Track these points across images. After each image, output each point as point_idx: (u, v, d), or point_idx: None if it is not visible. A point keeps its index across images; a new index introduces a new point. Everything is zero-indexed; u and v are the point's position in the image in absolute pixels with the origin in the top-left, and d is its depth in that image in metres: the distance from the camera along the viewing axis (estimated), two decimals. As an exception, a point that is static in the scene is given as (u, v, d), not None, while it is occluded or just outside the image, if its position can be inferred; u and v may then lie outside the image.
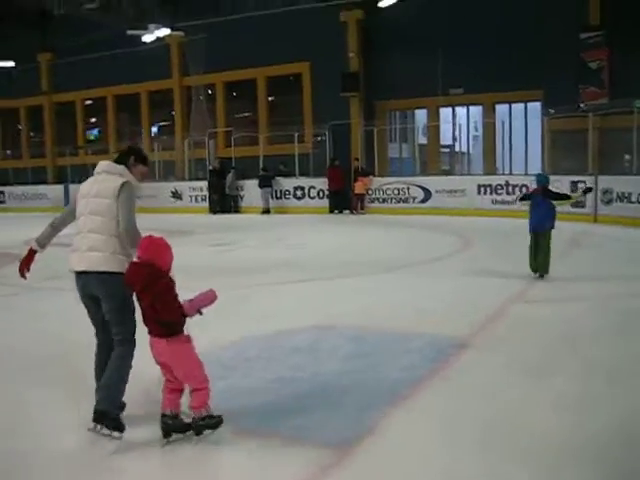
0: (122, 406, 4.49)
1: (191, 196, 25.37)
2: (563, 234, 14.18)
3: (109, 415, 4.31)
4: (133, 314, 4.50)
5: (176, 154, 27.60)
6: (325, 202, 22.69)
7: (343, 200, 22.24)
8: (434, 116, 23.39)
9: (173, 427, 4.30)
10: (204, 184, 24.99)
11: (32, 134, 33.96)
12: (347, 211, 22.13)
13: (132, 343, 4.52)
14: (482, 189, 20.10)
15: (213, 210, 24.43)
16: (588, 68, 20.27)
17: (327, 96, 23.76)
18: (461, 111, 23.57)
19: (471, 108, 23.49)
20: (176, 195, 25.52)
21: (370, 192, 22.14)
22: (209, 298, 4.26)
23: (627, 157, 18.94)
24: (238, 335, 6.88)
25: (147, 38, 24.69)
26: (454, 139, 23.49)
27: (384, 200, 22.01)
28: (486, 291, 8.87)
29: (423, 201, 21.25)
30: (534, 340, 6.52)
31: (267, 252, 13.67)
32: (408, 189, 21.49)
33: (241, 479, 3.96)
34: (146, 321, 4.27)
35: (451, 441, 4.27)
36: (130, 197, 4.51)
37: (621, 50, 19.25)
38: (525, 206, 10.05)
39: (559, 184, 17.67)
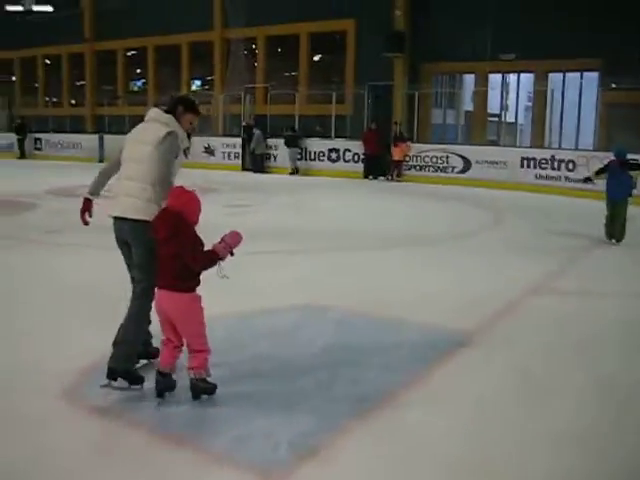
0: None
1: (224, 152, 24.57)
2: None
3: (128, 371, 4.35)
4: None
5: (213, 109, 26.80)
6: (361, 167, 21.62)
7: (379, 166, 21.15)
8: (482, 82, 22.04)
9: (169, 386, 4.25)
10: (238, 141, 24.17)
11: (74, 82, 33.51)
12: (382, 177, 21.05)
13: (153, 294, 4.32)
14: (525, 162, 18.78)
15: (245, 168, 23.63)
16: (652, 36, 18.76)
17: (371, 56, 22.66)
18: (513, 79, 22.20)
19: (523, 76, 22.10)
20: (208, 150, 24.73)
21: (408, 159, 21.01)
22: (235, 238, 4.19)
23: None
24: (214, 310, 6.05)
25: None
26: (502, 108, 22.15)
27: (422, 168, 20.82)
28: (507, 277, 7.85)
29: (462, 171, 20.02)
30: (545, 345, 5.53)
31: (282, 217, 12.83)
32: (447, 158, 20.28)
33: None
34: (161, 272, 4.17)
35: None
36: (171, 148, 4.43)
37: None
38: (599, 180, 10.88)
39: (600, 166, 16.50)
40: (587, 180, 11.47)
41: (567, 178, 17.89)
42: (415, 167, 20.94)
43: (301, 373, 4.70)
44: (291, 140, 22.66)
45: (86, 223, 4.78)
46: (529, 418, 4.11)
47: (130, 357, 4.42)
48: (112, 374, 4.31)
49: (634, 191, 10.59)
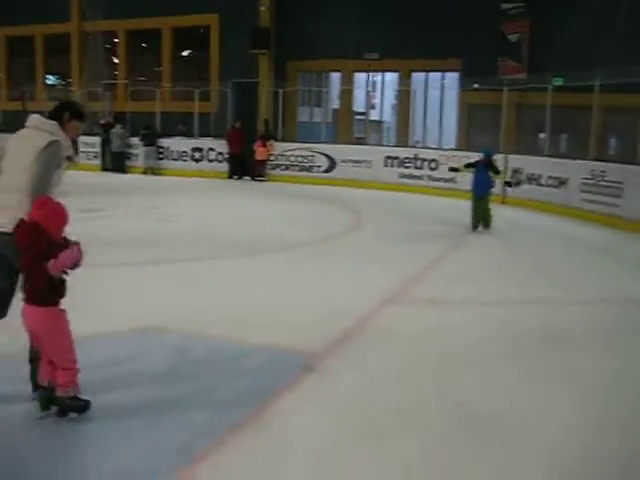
0: None
1: (83, 152, 23.29)
2: (465, 216, 13.23)
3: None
4: None
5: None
6: (225, 166, 20.99)
7: (243, 165, 20.64)
8: (348, 81, 22.01)
9: (49, 399, 4.05)
10: (97, 140, 22.98)
11: None
12: (247, 177, 20.54)
13: None
14: (389, 161, 18.88)
15: (104, 168, 22.53)
16: (507, 41, 19.32)
17: (236, 52, 22.09)
18: (383, 78, 22.33)
19: (388, 75, 22.27)
20: (65, 150, 23.35)
21: (272, 158, 20.63)
22: (71, 255, 3.88)
23: (541, 136, 18.08)
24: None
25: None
26: (368, 106, 22.19)
27: (287, 167, 20.51)
28: (365, 287, 7.56)
29: (327, 170, 19.85)
30: (399, 367, 5.22)
31: (139, 222, 12.09)
32: (312, 157, 20.09)
33: None
34: (24, 285, 3.98)
35: None
36: (52, 156, 4.17)
37: (542, 24, 18.35)
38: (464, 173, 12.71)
39: (469, 160, 16.77)
40: (454, 170, 13.55)
41: (430, 177, 18.09)
42: (280, 166, 20.60)
43: (122, 416, 4.16)
44: (147, 138, 21.79)
45: None
46: (373, 466, 3.75)
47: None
48: (36, 387, 4.20)
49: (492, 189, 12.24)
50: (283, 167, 20.53)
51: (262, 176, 20.29)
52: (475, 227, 11.80)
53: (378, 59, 21.23)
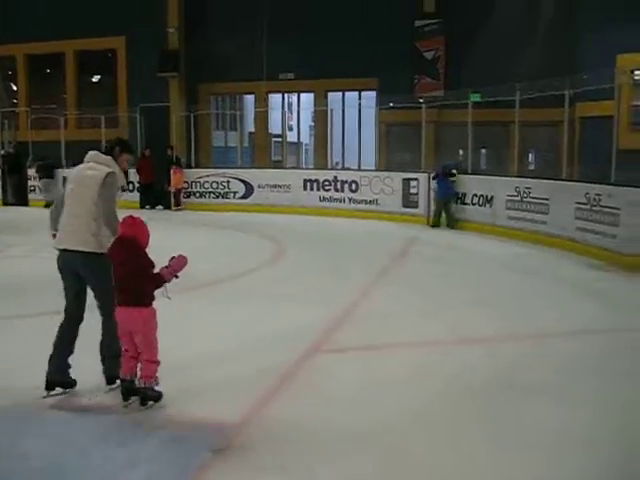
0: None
1: (-23, 187, 21.76)
2: (392, 240, 12.61)
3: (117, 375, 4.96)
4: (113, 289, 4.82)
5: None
6: (137, 196, 19.71)
7: (155, 194, 19.51)
8: (262, 102, 21.27)
9: (133, 391, 4.74)
10: (-4, 172, 21.50)
11: None
12: (160, 206, 19.40)
13: (114, 312, 4.82)
14: (308, 184, 18.12)
15: (6, 202, 21.05)
16: (423, 58, 19.08)
17: (144, 76, 21.11)
18: (300, 98, 21.77)
19: (304, 96, 21.66)
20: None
21: (186, 185, 19.60)
22: (181, 262, 4.78)
23: (461, 152, 17.77)
24: None
25: None
26: (284, 128, 21.51)
27: (202, 195, 19.49)
28: (286, 335, 6.63)
29: (244, 196, 18.92)
30: (323, 443, 4.32)
31: (32, 264, 10.88)
32: (228, 183, 19.12)
33: None
34: (121, 291, 4.69)
35: None
36: (114, 188, 5.02)
37: (457, 40, 18.25)
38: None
39: (389, 180, 16.33)
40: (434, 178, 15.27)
41: (351, 199, 17.45)
42: (195, 194, 19.58)
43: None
44: (43, 169, 20.53)
45: None
46: None
47: (119, 365, 4.91)
48: (109, 380, 5.08)
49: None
50: (198, 194, 19.53)
51: (177, 205, 19.22)
52: (434, 226, 15.00)
53: (293, 79, 20.65)
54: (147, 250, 4.75)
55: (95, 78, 24.18)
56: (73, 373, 5.10)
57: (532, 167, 18.86)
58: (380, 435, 4.36)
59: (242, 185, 18.92)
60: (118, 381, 4.94)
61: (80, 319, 5.09)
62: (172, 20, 21.17)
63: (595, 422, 4.58)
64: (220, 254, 11.68)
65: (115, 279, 4.73)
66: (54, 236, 5.18)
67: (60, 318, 5.13)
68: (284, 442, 4.26)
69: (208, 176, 19.43)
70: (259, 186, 18.72)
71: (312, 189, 18.01)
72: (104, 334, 5.09)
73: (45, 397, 4.91)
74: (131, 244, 4.68)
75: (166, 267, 4.75)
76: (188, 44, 21.29)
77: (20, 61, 24.01)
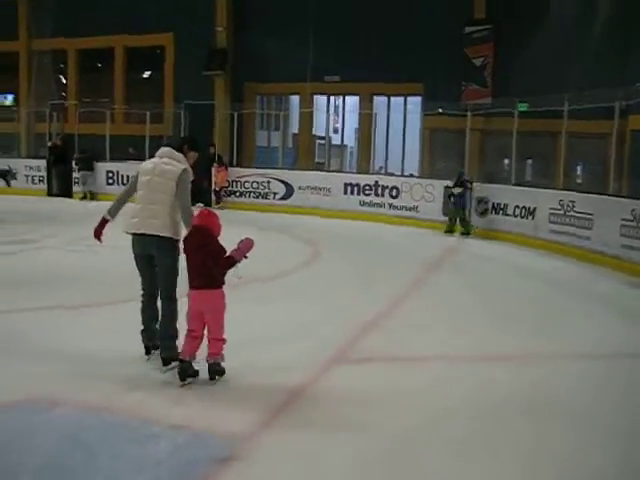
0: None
1: (27, 176, 22.04)
2: (429, 249, 12.42)
3: (175, 355, 5.34)
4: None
5: (20, 127, 24.18)
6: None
7: (198, 193, 19.46)
8: (307, 104, 21.18)
9: (190, 372, 5.11)
10: (43, 163, 21.77)
11: None
12: (201, 204, 19.35)
13: (176, 296, 5.50)
14: (349, 188, 17.94)
15: (51, 193, 21.33)
16: (471, 64, 18.78)
17: (191, 73, 21.18)
18: (346, 101, 21.59)
19: (350, 99, 21.50)
20: (9, 174, 22.07)
21: (227, 184, 19.60)
22: (249, 244, 5.30)
23: (507, 162, 17.45)
24: None
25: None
26: (329, 130, 21.37)
27: (242, 194, 19.45)
28: (306, 340, 6.51)
29: (284, 197, 18.84)
30: (338, 456, 4.18)
31: (69, 257, 10.94)
32: (268, 183, 19.06)
33: None
34: (195, 276, 5.11)
35: None
36: (188, 182, 5.46)
37: (506, 47, 17.92)
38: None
39: (431, 188, 16.09)
40: (450, 197, 15.25)
41: (391, 205, 17.24)
42: (235, 193, 19.56)
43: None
44: (82, 162, 20.74)
45: (100, 241, 5.75)
46: None
47: (175, 346, 5.44)
48: (165, 361, 5.43)
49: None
50: (238, 194, 19.51)
51: (218, 203, 19.21)
52: (448, 231, 15.08)
53: (339, 82, 20.53)
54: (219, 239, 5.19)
55: (143, 74, 24.33)
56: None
57: (579, 180, 18.42)
58: (399, 452, 4.20)
59: (282, 186, 18.84)
60: (173, 363, 5.33)
61: (156, 295, 5.57)
62: (220, 19, 21.21)
63: (606, 449, 4.36)
64: (255, 255, 11.55)
65: (191, 265, 5.16)
66: (103, 220, 5.69)
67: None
68: (297, 454, 4.12)
69: (249, 175, 19.40)
70: (299, 188, 18.62)
71: (352, 193, 17.83)
72: (163, 316, 5.49)
73: (147, 360, 5.60)
74: (205, 233, 5.15)
75: (235, 250, 5.21)
76: (235, 43, 21.33)
77: (71, 55, 24.34)
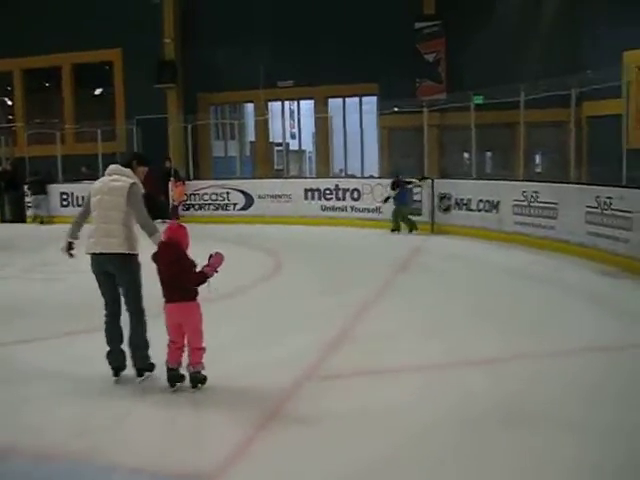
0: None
1: (-25, 204, 21.33)
2: (394, 251, 12.21)
3: (147, 366, 5.63)
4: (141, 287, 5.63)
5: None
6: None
7: (156, 208, 18.99)
8: (262, 111, 20.86)
9: (178, 378, 5.35)
10: (-6, 189, 21.10)
11: None
12: (159, 220, 18.87)
13: (143, 309, 5.66)
14: (309, 194, 17.64)
15: (4, 219, 20.69)
16: (424, 60, 18.68)
17: (141, 87, 20.72)
18: (302, 106, 21.37)
19: (304, 103, 21.23)
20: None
21: (185, 198, 19.17)
22: (218, 259, 5.34)
23: (466, 156, 17.33)
24: None
25: None
26: (285, 136, 21.10)
27: (201, 207, 19.04)
28: (271, 357, 6.18)
29: (244, 208, 18.46)
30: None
31: (22, 286, 10.45)
32: (227, 194, 18.65)
33: None
34: (168, 290, 5.28)
35: None
36: (139, 195, 5.59)
37: (457, 41, 17.86)
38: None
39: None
40: (387, 200, 15.35)
41: (353, 208, 16.99)
42: (194, 206, 19.13)
43: None
44: (34, 186, 20.16)
45: (72, 256, 5.80)
46: None
47: (147, 356, 5.63)
48: (140, 372, 5.60)
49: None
50: (197, 207, 19.09)
51: (177, 218, 18.73)
52: (394, 230, 15.07)
53: (292, 86, 20.27)
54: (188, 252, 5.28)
55: (92, 91, 23.76)
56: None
57: (539, 170, 18.37)
58: (379, 472, 3.91)
59: (242, 196, 18.46)
60: (146, 373, 5.59)
61: (119, 312, 5.66)
62: (168, 30, 20.84)
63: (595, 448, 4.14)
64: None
65: (163, 279, 5.27)
66: (69, 244, 5.76)
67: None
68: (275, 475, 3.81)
69: (207, 187, 19.00)
70: (259, 197, 18.26)
71: (313, 198, 17.54)
72: (132, 329, 5.59)
73: (116, 382, 5.56)
74: (175, 248, 5.24)
75: (206, 265, 5.25)
76: (185, 54, 20.96)
77: (17, 76, 23.71)
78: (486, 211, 13.90)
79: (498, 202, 13.55)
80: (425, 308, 8.06)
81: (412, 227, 14.92)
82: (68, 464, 4.21)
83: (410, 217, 15.04)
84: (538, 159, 18.80)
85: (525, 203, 12.71)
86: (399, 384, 5.54)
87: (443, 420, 4.72)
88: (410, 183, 15.36)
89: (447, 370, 5.87)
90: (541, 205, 12.32)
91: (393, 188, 15.13)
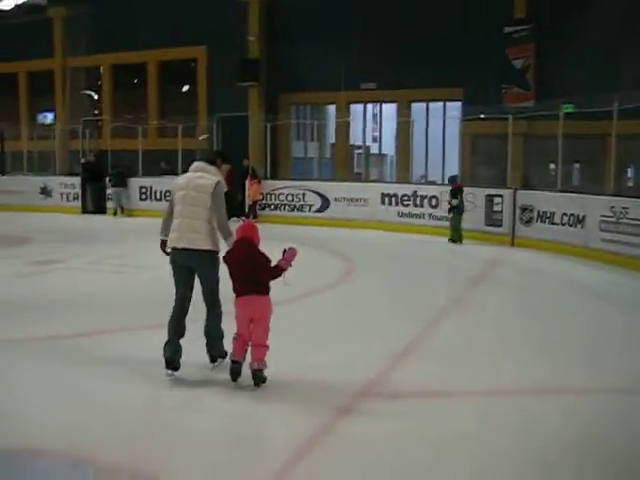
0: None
1: (62, 193, 21.80)
2: (470, 262, 11.77)
3: (220, 354, 5.84)
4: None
5: (55, 144, 24.06)
6: (212, 207, 19.29)
7: (231, 206, 18.97)
8: (343, 113, 20.61)
9: (240, 371, 5.43)
10: (77, 180, 21.56)
11: None
12: (235, 218, 18.86)
13: (220, 303, 5.82)
14: (386, 199, 17.22)
15: (85, 210, 21.14)
16: (512, 66, 18.00)
17: (224, 85, 20.83)
18: (384, 109, 20.95)
19: (387, 106, 20.84)
20: (45, 192, 22.01)
21: (261, 197, 19.08)
22: (293, 253, 5.54)
23: (552, 167, 16.60)
24: None
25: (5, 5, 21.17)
26: (366, 139, 20.75)
27: (277, 207, 18.91)
28: (334, 372, 5.86)
29: (320, 210, 18.19)
30: None
31: (93, 278, 10.44)
32: (303, 195, 18.46)
33: None
34: (242, 284, 5.39)
35: None
36: (222, 195, 5.69)
37: (548, 46, 17.12)
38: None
39: (472, 197, 15.32)
40: (453, 210, 14.67)
41: (431, 215, 16.51)
42: (270, 206, 19.03)
43: None
44: (115, 178, 20.46)
45: (167, 253, 5.80)
46: None
47: (221, 345, 5.82)
48: (214, 358, 5.83)
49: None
50: (273, 207, 18.97)
51: (254, 217, 18.69)
52: (453, 241, 14.57)
53: (375, 89, 19.92)
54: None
55: (177, 88, 24.05)
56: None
57: (631, 184, 17.45)
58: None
59: (318, 198, 18.23)
60: (219, 359, 5.79)
61: (188, 308, 5.73)
62: (253, 29, 20.81)
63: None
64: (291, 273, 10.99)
65: (238, 274, 5.38)
66: (163, 242, 5.84)
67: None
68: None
69: (284, 188, 18.86)
70: (335, 199, 17.98)
71: (390, 204, 17.12)
72: (209, 320, 5.78)
73: (170, 375, 5.60)
74: (249, 245, 5.44)
75: (282, 259, 5.44)
76: (269, 53, 20.91)
77: (106, 71, 24.26)
78: (570, 225, 13.19)
79: (584, 216, 12.82)
80: (498, 326, 7.61)
81: (461, 238, 14.54)
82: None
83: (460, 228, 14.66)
84: (630, 172, 17.86)
85: (613, 219, 11.98)
86: (463, 410, 5.14)
87: (506, 452, 4.31)
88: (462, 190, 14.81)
89: (517, 397, 5.43)
90: (631, 222, 11.58)
91: (455, 196, 14.61)
